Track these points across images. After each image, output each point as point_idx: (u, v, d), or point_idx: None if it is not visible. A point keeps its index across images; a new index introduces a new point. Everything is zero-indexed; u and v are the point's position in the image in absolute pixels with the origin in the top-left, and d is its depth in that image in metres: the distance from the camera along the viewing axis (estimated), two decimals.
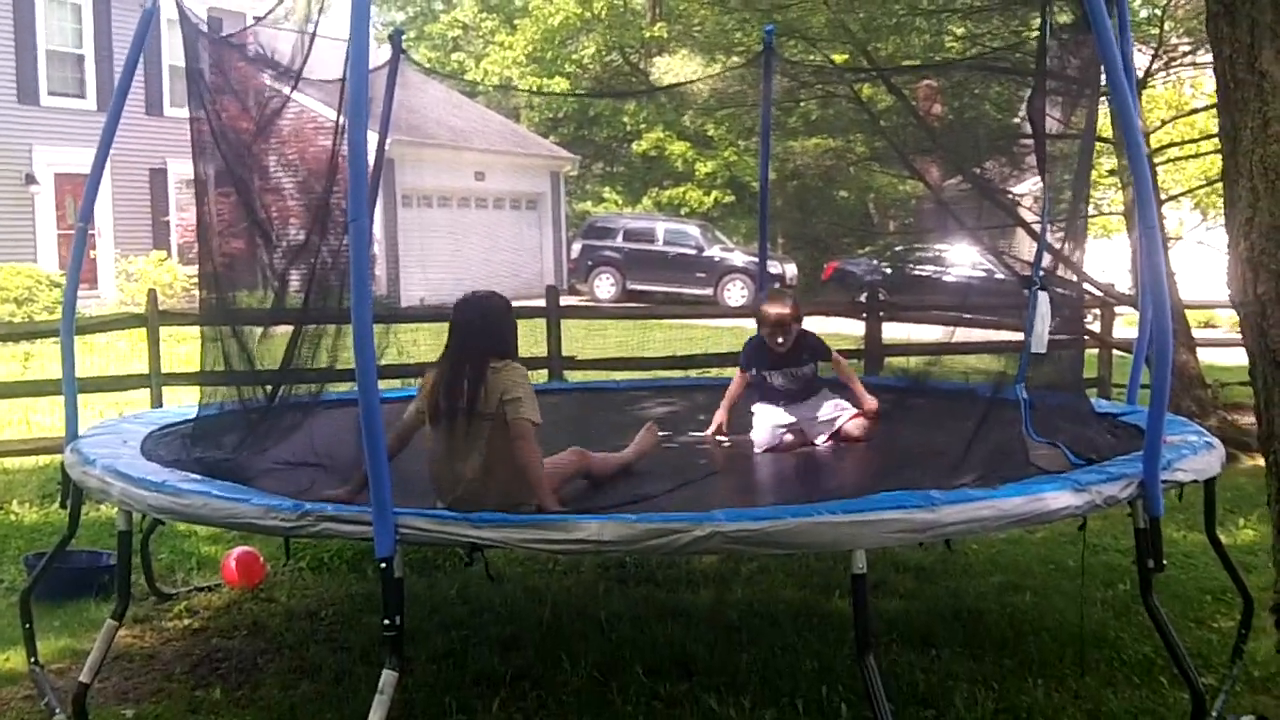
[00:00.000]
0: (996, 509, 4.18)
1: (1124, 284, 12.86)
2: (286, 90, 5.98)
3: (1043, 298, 5.73)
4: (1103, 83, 5.83)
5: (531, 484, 4.71)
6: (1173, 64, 12.60)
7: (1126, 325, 14.51)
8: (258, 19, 5.98)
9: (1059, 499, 4.34)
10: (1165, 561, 4.63)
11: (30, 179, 24.95)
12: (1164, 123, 13.90)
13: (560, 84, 36.37)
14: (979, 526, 4.25)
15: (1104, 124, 8.17)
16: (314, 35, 5.55)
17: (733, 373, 10.89)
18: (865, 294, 14.46)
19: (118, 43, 26.34)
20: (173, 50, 24.68)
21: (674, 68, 33.06)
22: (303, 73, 5.71)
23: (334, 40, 6.17)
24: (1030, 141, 11.12)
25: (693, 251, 30.74)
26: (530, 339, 11.79)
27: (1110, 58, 4.56)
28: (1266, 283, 2.72)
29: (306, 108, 8.10)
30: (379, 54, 5.80)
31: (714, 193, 35.26)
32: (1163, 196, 12.34)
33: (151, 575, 6.80)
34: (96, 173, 6.15)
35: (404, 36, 8.42)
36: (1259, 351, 2.76)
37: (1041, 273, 6.02)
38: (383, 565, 4.00)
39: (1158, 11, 12.34)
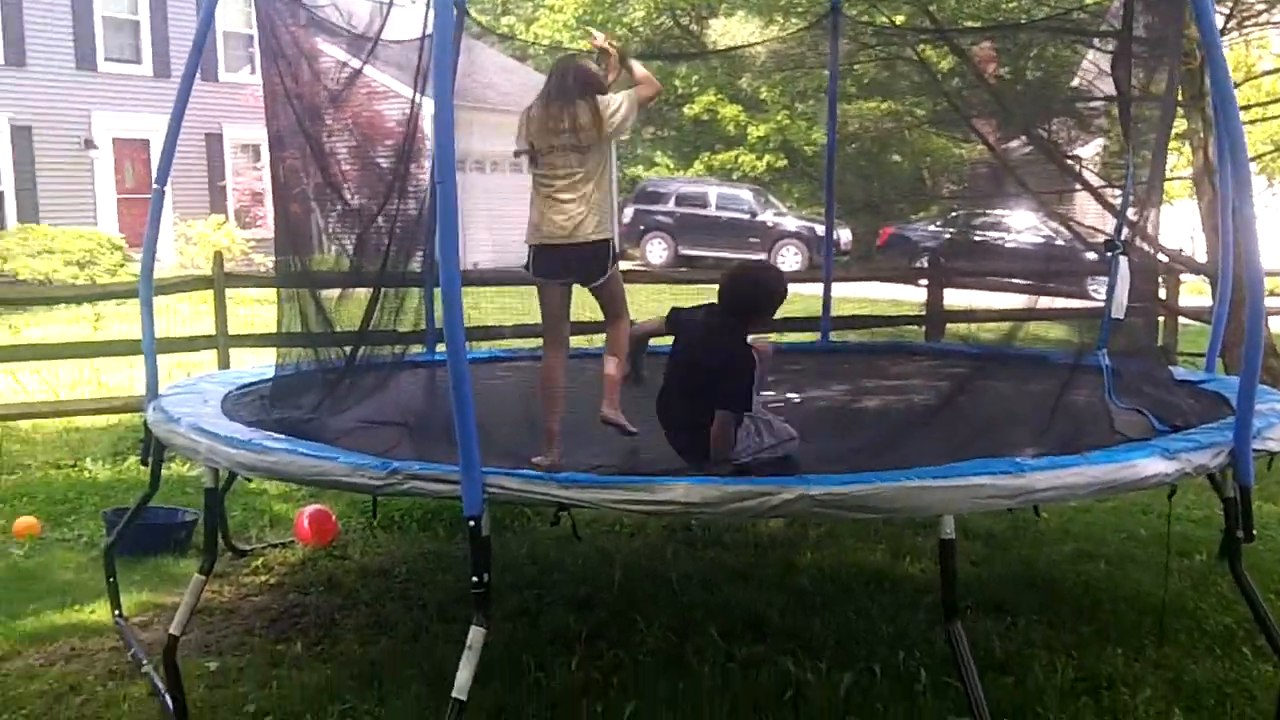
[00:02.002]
0: (1086, 475, 4.14)
1: (1188, 250, 12.65)
2: (360, 58, 5.98)
3: (1123, 263, 5.68)
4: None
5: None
6: (1245, 23, 12.33)
7: (1190, 293, 14.36)
8: None
9: (1149, 466, 4.29)
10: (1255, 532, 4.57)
11: (89, 144, 25.25)
12: (1236, 86, 13.63)
13: None
14: (1068, 493, 4.21)
15: None
16: (390, 3, 5.53)
17: (793, 338, 10.92)
18: (925, 260, 14.29)
19: (172, 8, 26.51)
20: (226, 16, 24.86)
21: (730, 29, 32.78)
22: (379, 37, 5.71)
23: (398, 3, 6.18)
24: (1096, 104, 11.01)
25: (745, 216, 30.54)
26: (589, 304, 11.77)
27: (1204, 13, 4.48)
28: None
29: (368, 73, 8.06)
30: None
31: (766, 157, 34.97)
32: None
33: (227, 532, 6.88)
34: (172, 138, 6.16)
35: None
36: None
37: (1122, 238, 5.94)
38: (470, 523, 4.02)
39: None
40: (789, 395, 6.76)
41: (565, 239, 5.45)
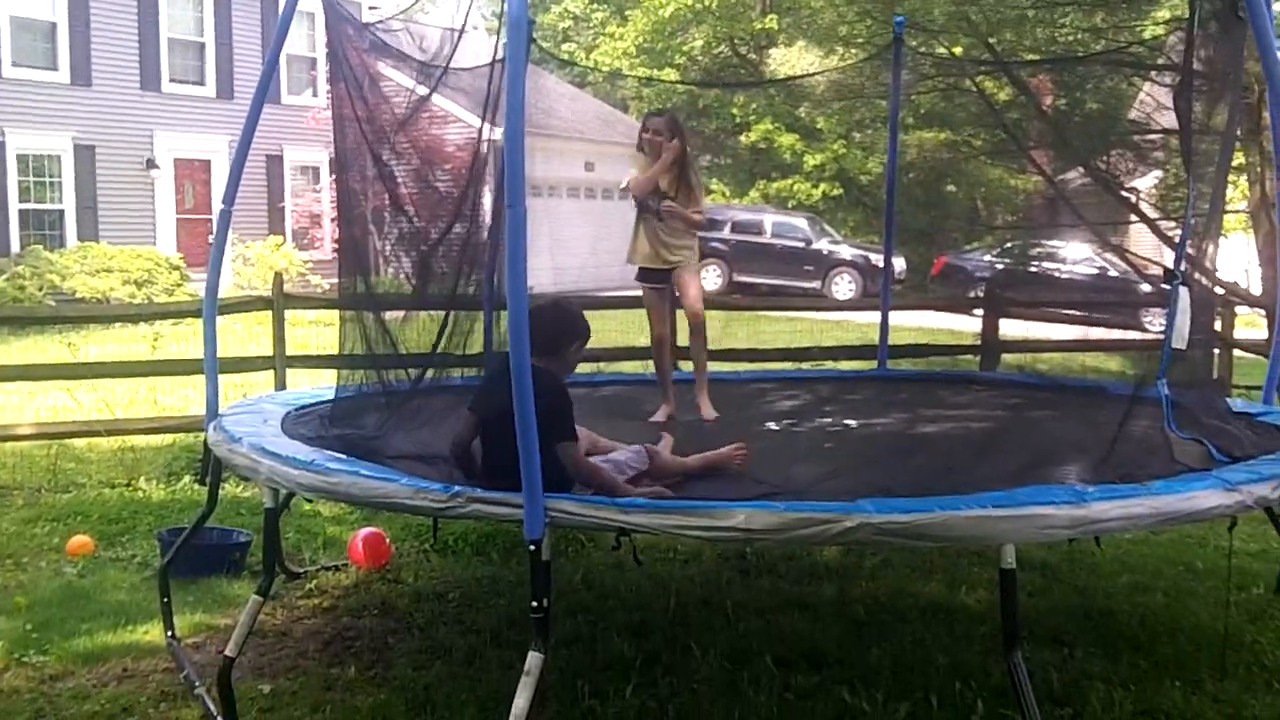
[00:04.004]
0: (1148, 505, 4.10)
1: (1243, 284, 12.53)
2: (428, 85, 6.04)
3: (1183, 293, 5.64)
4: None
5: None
6: None
7: (1244, 326, 14.19)
8: (401, 13, 6.08)
9: (1210, 498, 4.25)
10: None
11: (151, 164, 25.62)
12: None
13: (670, 75, 36.33)
14: (1130, 523, 4.17)
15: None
16: (463, 30, 5.59)
17: (845, 365, 10.91)
18: (980, 290, 14.24)
19: (237, 31, 26.97)
20: (290, 39, 25.19)
21: (790, 59, 32.90)
22: (449, 64, 5.77)
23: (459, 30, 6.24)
24: (1154, 137, 10.95)
25: (800, 244, 30.53)
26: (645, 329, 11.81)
27: (1267, 48, 4.47)
28: None
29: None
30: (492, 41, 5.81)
31: (822, 185, 34.98)
32: None
33: (281, 554, 6.88)
34: (239, 160, 6.28)
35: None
36: None
37: (1183, 268, 5.90)
38: (531, 548, 4.04)
39: None
40: (846, 422, 6.75)
41: None
